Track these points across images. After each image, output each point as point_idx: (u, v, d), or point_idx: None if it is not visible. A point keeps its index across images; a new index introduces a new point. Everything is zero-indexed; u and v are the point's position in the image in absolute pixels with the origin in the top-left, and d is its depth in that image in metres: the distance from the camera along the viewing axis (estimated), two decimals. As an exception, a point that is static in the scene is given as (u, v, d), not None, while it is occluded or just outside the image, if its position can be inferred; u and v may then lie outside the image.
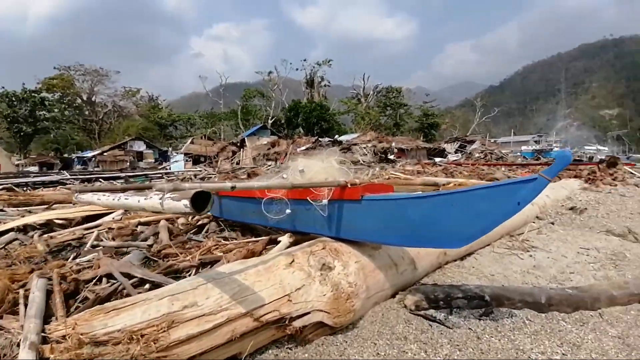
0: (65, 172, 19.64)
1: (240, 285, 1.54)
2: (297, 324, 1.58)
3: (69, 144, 44.15)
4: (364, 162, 20.27)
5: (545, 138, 60.88)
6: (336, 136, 33.46)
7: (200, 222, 3.94)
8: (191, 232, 3.65)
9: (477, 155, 25.27)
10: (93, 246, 3.20)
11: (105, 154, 32.22)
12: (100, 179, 11.96)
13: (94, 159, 32.68)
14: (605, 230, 4.02)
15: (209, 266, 2.39)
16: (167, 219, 4.00)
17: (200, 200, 1.20)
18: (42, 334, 1.53)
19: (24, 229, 3.90)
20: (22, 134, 39.45)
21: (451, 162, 19.50)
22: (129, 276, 2.31)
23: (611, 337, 1.81)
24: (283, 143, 25.72)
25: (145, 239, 3.15)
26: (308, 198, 2.10)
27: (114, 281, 2.25)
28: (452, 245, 1.65)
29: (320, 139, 27.37)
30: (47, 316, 1.81)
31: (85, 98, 50.59)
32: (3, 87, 40.79)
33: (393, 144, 25.20)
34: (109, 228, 3.91)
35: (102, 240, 3.44)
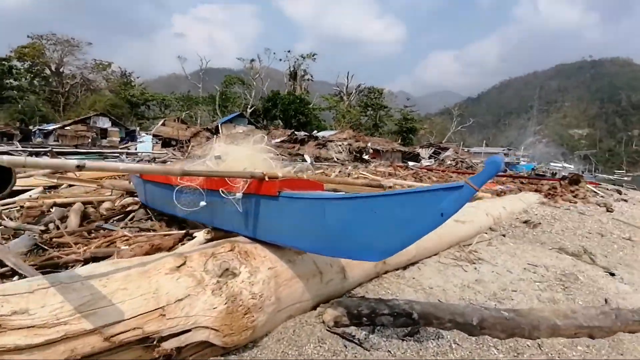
0: (17, 143, 18.22)
1: (94, 293, 1.21)
2: (169, 344, 1.27)
3: (35, 115, 41.56)
4: (337, 159, 20.11)
5: (514, 152, 63.32)
6: (315, 132, 33.14)
7: (129, 209, 3.53)
8: (114, 218, 3.25)
9: (449, 162, 25.78)
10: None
11: (66, 128, 30.16)
12: (48, 154, 11.05)
13: (54, 132, 30.58)
14: (557, 248, 3.91)
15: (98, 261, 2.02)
16: (89, 203, 3.56)
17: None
18: None
19: None
20: (-13, 102, 36.74)
21: (423, 167, 19.73)
22: (1, 264, 1.92)
23: (548, 375, 1.62)
24: (258, 133, 25.01)
25: (49, 223, 2.72)
26: (220, 190, 1.78)
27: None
28: (371, 257, 1.39)
29: (296, 132, 26.91)
30: None
31: (53, 68, 47.52)
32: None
33: (369, 144, 25.20)
34: (20, 206, 3.43)
35: (3, 220, 2.98)
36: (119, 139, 29.53)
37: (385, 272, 2.60)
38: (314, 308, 1.94)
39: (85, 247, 2.35)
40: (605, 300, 2.36)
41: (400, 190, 1.25)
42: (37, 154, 12.02)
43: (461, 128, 64.08)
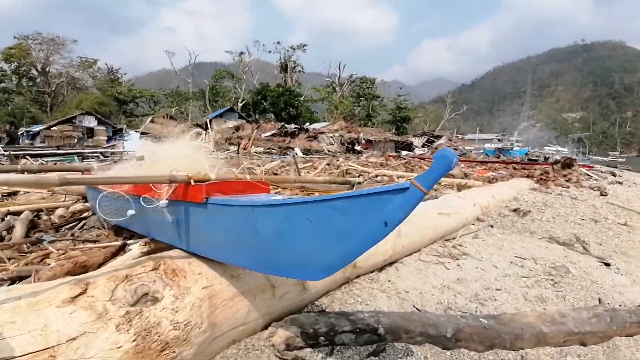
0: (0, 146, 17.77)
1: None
2: (56, 394, 1.02)
3: (25, 117, 40.89)
4: (329, 151, 19.81)
5: (508, 137, 63.17)
6: (307, 124, 32.68)
7: (84, 215, 3.24)
8: (65, 227, 2.96)
9: (442, 150, 25.51)
10: None
11: (52, 128, 29.48)
12: (28, 156, 10.66)
13: (40, 133, 29.92)
14: (548, 237, 3.68)
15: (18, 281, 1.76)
16: (43, 210, 3.27)
17: None
18: None
19: None
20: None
21: (416, 156, 19.48)
22: None
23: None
24: (248, 127, 24.58)
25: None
26: (143, 196, 1.51)
27: None
28: (310, 276, 1.13)
29: (286, 125, 26.48)
30: None
31: (39, 68, 46.47)
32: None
33: (361, 135, 24.86)
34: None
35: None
36: (105, 138, 28.92)
37: (357, 277, 2.36)
38: (266, 327, 1.69)
39: (17, 264, 2.09)
40: (599, 300, 2.13)
41: (338, 194, 0.99)
42: (17, 157, 11.65)
43: (455, 115, 63.64)
